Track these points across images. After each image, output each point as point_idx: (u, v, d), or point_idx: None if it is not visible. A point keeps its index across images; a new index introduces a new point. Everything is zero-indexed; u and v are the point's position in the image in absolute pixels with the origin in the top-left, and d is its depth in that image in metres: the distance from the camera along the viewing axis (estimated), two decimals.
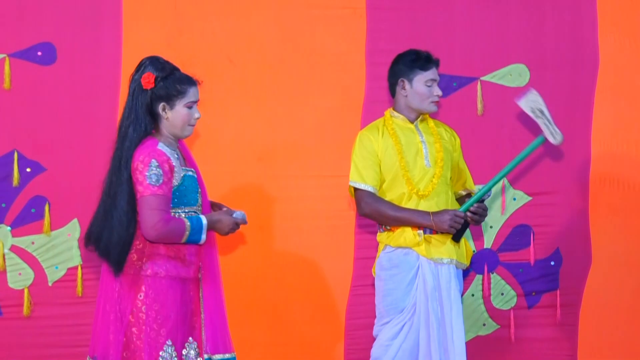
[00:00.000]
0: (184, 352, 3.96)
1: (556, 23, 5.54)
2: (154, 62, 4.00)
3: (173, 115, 3.95)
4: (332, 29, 5.46)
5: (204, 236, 3.91)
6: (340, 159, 5.32)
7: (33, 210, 5.28)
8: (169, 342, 3.91)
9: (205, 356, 4.02)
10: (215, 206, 4.13)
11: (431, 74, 4.50)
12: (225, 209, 4.10)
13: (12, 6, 5.30)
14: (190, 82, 4.01)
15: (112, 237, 3.90)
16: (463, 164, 4.65)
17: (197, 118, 4.04)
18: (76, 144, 5.37)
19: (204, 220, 3.92)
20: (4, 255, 5.32)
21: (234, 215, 4.00)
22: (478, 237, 5.57)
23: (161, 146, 3.93)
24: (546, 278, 5.51)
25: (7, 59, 5.26)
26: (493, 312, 5.49)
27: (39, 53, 5.27)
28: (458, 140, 4.69)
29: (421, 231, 4.43)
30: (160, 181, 3.88)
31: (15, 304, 5.28)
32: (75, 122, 5.42)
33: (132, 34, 5.37)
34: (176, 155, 3.99)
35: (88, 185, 5.18)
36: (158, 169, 3.87)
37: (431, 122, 4.56)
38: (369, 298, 5.25)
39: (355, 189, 4.45)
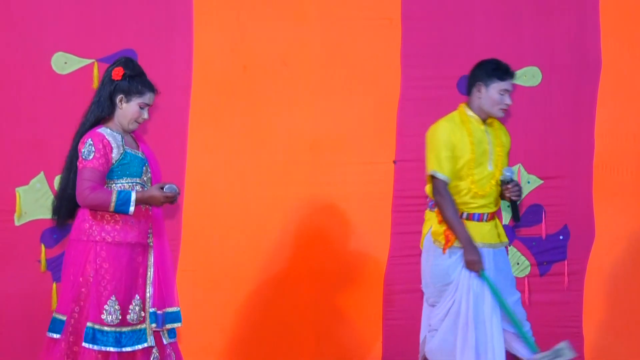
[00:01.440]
0: (130, 307, 4.22)
1: (564, 30, 5.73)
2: (128, 62, 4.32)
3: (126, 108, 4.26)
4: (372, 36, 5.70)
5: (132, 208, 4.14)
6: (378, 149, 5.68)
7: None
8: (113, 298, 4.16)
9: (151, 310, 4.28)
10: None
11: (506, 84, 4.62)
12: (161, 185, 4.27)
13: (98, 17, 5.60)
14: (151, 88, 4.32)
15: (63, 197, 4.28)
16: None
17: (145, 119, 4.32)
18: (153, 136, 5.52)
19: (133, 195, 4.16)
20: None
21: (165, 188, 4.19)
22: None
23: (103, 129, 4.21)
24: (556, 250, 5.74)
25: (95, 63, 5.54)
26: None
27: (124, 57, 5.26)
28: (509, 139, 4.83)
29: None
30: (91, 156, 4.15)
31: None
32: (154, 115, 5.38)
33: (202, 41, 5.66)
34: (119, 138, 4.24)
35: (164, 170, 5.09)
36: (91, 147, 4.15)
37: (496, 124, 4.71)
38: (404, 267, 5.65)
39: (433, 177, 4.57)
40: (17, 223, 5.55)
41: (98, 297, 4.18)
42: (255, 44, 5.67)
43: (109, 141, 4.16)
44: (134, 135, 4.42)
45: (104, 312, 4.16)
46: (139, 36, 5.64)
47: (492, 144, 4.63)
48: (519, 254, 5.81)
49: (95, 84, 5.50)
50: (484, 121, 4.65)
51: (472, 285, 4.61)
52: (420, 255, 5.32)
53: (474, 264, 4.55)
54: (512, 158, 5.33)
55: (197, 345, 5.45)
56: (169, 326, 4.32)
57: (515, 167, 5.67)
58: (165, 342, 4.34)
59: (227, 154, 5.77)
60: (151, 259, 4.33)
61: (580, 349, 5.69)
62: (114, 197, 4.10)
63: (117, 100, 4.24)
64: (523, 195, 5.61)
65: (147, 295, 4.30)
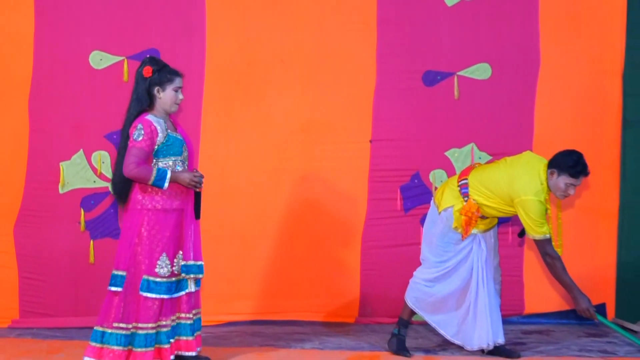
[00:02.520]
0: (175, 260, 4.47)
1: (511, 33, 5.98)
2: (152, 60, 4.51)
3: (164, 96, 4.48)
4: (353, 37, 5.96)
5: (166, 184, 4.38)
6: (357, 130, 5.93)
7: None
8: (164, 255, 4.43)
9: (191, 263, 4.50)
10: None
11: (577, 181, 4.69)
12: (193, 170, 4.53)
13: (128, 21, 5.87)
14: (177, 73, 4.50)
15: (116, 180, 4.52)
16: None
17: (181, 99, 4.53)
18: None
19: (168, 174, 4.39)
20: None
21: (194, 174, 4.45)
22: None
23: (150, 117, 4.42)
24: None
25: (125, 60, 5.82)
26: None
27: (148, 56, 5.19)
28: None
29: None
30: (140, 138, 4.35)
31: None
32: None
33: (213, 41, 5.91)
34: (163, 123, 4.45)
35: None
36: (141, 130, 4.36)
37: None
38: (378, 227, 5.88)
39: (543, 240, 4.72)
40: (61, 191, 5.84)
41: (151, 254, 4.41)
42: (257, 44, 5.92)
43: (156, 127, 4.40)
44: (173, 120, 4.63)
45: (157, 266, 4.42)
46: (161, 37, 5.87)
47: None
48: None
49: (126, 77, 5.75)
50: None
51: (475, 260, 4.94)
52: (390, 218, 5.75)
53: (585, 311, 4.77)
54: (466, 139, 5.75)
55: (209, 291, 5.57)
56: (197, 276, 4.57)
57: (469, 146, 5.91)
58: (192, 289, 4.59)
59: (234, 134, 5.94)
60: (188, 222, 4.56)
61: (521, 294, 5.98)
62: (153, 173, 4.36)
63: (155, 92, 4.46)
64: None
65: (186, 250, 4.52)
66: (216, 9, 5.92)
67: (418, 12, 6.01)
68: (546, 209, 4.74)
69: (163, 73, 4.50)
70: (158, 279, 4.44)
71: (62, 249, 5.88)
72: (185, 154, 4.60)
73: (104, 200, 5.91)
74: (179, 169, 4.50)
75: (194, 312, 4.68)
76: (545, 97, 6.06)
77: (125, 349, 4.48)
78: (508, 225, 5.99)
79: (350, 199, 6.00)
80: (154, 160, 4.48)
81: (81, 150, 5.88)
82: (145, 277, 4.44)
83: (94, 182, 5.90)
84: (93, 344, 4.52)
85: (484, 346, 5.00)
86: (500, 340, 5.00)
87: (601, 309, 6.04)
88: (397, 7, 5.99)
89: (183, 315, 4.62)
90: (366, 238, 6.01)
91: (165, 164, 4.49)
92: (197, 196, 4.59)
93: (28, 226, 5.88)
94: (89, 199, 5.90)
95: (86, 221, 5.88)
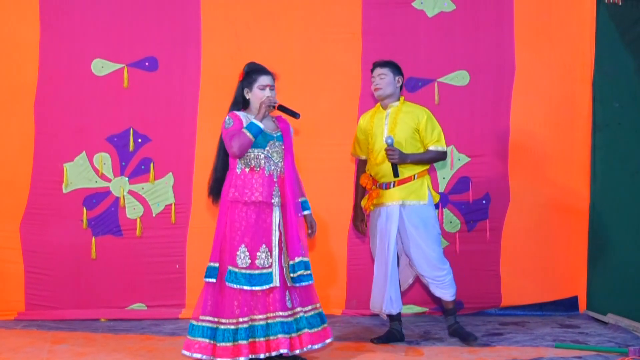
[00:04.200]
0: (257, 254, 4.39)
1: (487, 42, 6.07)
2: (248, 64, 4.58)
3: (252, 95, 4.54)
4: (339, 47, 6.05)
5: (257, 123, 4.41)
6: (343, 133, 5.86)
7: (143, 167, 5.89)
8: (243, 246, 4.38)
9: (288, 262, 4.44)
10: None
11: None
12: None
13: (128, 31, 5.94)
14: (263, 72, 4.53)
15: (215, 179, 4.59)
16: None
17: (268, 96, 4.49)
18: (170, 123, 5.96)
19: (254, 120, 4.43)
20: (124, 197, 5.91)
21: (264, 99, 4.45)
22: (435, 184, 5.96)
23: (238, 112, 4.47)
24: (480, 211, 6.10)
25: (125, 67, 5.91)
26: (445, 234, 5.99)
27: (147, 64, 5.94)
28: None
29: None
30: (231, 124, 4.41)
31: (131, 228, 5.94)
32: (170, 109, 5.96)
33: (208, 50, 5.99)
34: (250, 118, 4.46)
35: (179, 150, 5.89)
36: (230, 119, 4.42)
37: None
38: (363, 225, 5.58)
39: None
40: (64, 191, 5.91)
41: (232, 245, 4.40)
42: (250, 53, 5.72)
43: (240, 118, 4.47)
44: (276, 119, 4.65)
45: (237, 257, 4.37)
46: (159, 46, 5.96)
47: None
48: (451, 214, 6.09)
49: (126, 83, 5.83)
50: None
51: None
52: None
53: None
54: (446, 141, 5.42)
55: (203, 283, 4.80)
56: (298, 273, 4.48)
57: (449, 148, 5.91)
58: (288, 284, 4.49)
59: None
60: (276, 216, 4.48)
61: (498, 287, 6.07)
62: (246, 132, 4.39)
63: (245, 94, 4.54)
64: (454, 170, 5.98)
65: (273, 244, 4.45)
66: (211, 20, 6.00)
67: (401, 22, 6.10)
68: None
69: (249, 75, 4.55)
70: (236, 270, 4.40)
71: (65, 245, 5.94)
72: (274, 149, 4.56)
73: (105, 199, 5.98)
74: (262, 161, 4.48)
75: (300, 309, 4.56)
76: (520, 102, 6.16)
77: (211, 342, 4.44)
78: (485, 223, 6.07)
79: (338, 197, 6.04)
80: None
81: (84, 152, 5.96)
82: (230, 267, 4.42)
83: (96, 182, 5.97)
84: (188, 337, 4.51)
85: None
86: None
87: (573, 301, 6.12)
88: (380, 18, 6.07)
89: (278, 314, 4.48)
90: (352, 235, 6.08)
91: (249, 154, 4.49)
92: (282, 108, 4.58)
93: (33, 224, 5.94)
94: (91, 198, 5.97)
95: (88, 219, 5.95)
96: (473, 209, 6.14)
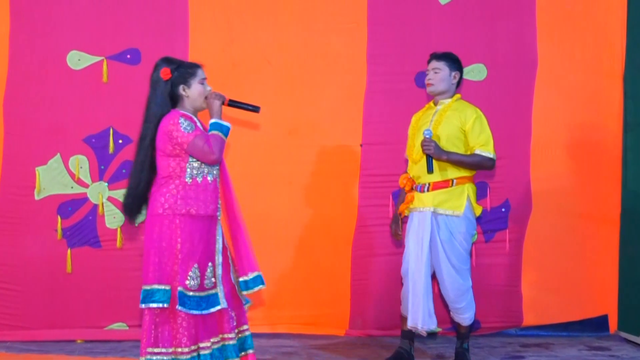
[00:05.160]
0: (205, 274, 4.22)
1: (506, 32, 5.92)
2: (166, 60, 4.32)
3: (192, 92, 4.27)
4: (342, 37, 5.89)
5: (229, 124, 4.26)
6: (347, 133, 5.83)
7: (124, 171, 5.71)
8: (196, 266, 4.18)
9: (240, 279, 4.29)
10: None
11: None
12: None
13: (107, 20, 5.76)
14: (197, 65, 4.32)
15: (135, 194, 4.27)
16: None
17: (209, 91, 4.31)
18: None
19: (220, 121, 4.24)
20: (102, 204, 5.71)
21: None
22: None
23: (182, 112, 4.22)
24: (498, 220, 5.91)
25: (104, 60, 5.71)
26: None
27: (128, 56, 5.75)
28: None
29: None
30: (193, 128, 4.16)
31: (111, 239, 5.74)
32: None
33: (196, 42, 5.81)
34: (196, 120, 4.28)
35: None
36: (188, 121, 4.15)
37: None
38: (369, 235, 5.79)
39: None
40: (37, 197, 5.68)
41: (184, 265, 4.17)
42: (243, 45, 5.83)
43: (193, 118, 4.25)
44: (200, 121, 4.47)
45: (188, 278, 4.16)
46: (142, 37, 5.78)
47: None
48: None
49: (105, 78, 5.69)
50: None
51: None
52: (382, 225, 5.65)
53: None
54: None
55: None
56: (255, 289, 4.34)
57: None
58: (244, 302, 4.39)
59: None
60: (219, 229, 4.32)
61: (519, 305, 5.89)
62: (218, 133, 4.20)
63: (181, 91, 4.26)
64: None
65: (217, 262, 4.27)
66: (199, 7, 5.84)
67: (410, 10, 5.96)
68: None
69: (182, 69, 4.31)
70: (189, 292, 4.19)
71: (37, 258, 5.75)
72: None
73: (82, 207, 5.78)
74: (211, 169, 4.29)
75: (246, 327, 4.48)
76: (542, 99, 6.01)
77: None
78: (505, 233, 5.92)
79: (340, 206, 5.92)
80: (189, 159, 4.23)
81: (58, 154, 5.75)
82: (180, 289, 4.18)
83: (72, 187, 5.77)
84: None
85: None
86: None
87: (603, 321, 6.02)
88: (388, 5, 5.94)
89: (226, 335, 4.35)
90: (357, 246, 5.90)
91: (194, 162, 4.25)
92: (234, 104, 4.42)
93: (2, 234, 5.77)
94: (66, 205, 5.77)
95: (63, 229, 5.74)
96: (491, 217, 5.96)
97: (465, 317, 5.01)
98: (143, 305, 4.14)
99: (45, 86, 5.78)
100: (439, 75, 4.97)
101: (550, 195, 5.99)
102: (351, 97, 5.94)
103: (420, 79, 5.79)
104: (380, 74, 5.85)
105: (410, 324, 4.92)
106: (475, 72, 5.93)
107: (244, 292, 4.36)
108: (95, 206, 5.78)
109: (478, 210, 5.00)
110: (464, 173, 4.92)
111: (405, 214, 5.05)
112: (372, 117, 5.86)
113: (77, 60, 5.76)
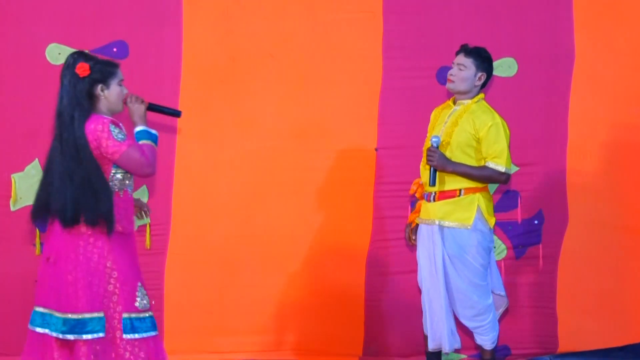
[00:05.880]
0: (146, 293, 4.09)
1: (538, 22, 5.75)
2: (81, 55, 4.10)
3: (110, 94, 4.05)
4: (355, 29, 5.71)
5: (154, 132, 4.10)
6: (360, 136, 5.68)
7: None
8: (140, 285, 4.01)
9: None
10: None
11: None
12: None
13: (90, 10, 5.59)
14: (116, 64, 4.15)
15: (100, 208, 3.93)
16: None
17: (126, 93, 4.14)
18: None
19: (148, 128, 4.07)
20: None
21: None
22: None
23: (109, 118, 4.04)
24: (531, 234, 5.73)
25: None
26: None
27: (115, 49, 5.58)
28: None
29: None
30: (125, 138, 3.98)
31: None
32: None
33: (191, 33, 5.67)
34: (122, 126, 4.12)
35: None
36: (116, 129, 3.97)
37: None
38: (386, 250, 5.72)
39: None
40: (12, 208, 5.52)
41: (129, 285, 4.00)
42: (243, 36, 5.66)
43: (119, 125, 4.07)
44: None
45: (137, 299, 4.00)
46: (130, 28, 5.63)
47: None
48: (495, 237, 5.61)
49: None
50: None
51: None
52: (400, 239, 5.45)
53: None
54: None
55: (185, 327, 5.49)
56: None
57: None
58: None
59: (216, 142, 5.74)
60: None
61: (554, 329, 5.74)
62: (150, 142, 4.03)
63: (98, 91, 4.05)
64: None
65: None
66: None
67: None
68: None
69: (101, 67, 4.07)
70: (142, 314, 4.00)
71: (13, 275, 5.53)
72: None
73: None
74: (127, 183, 4.11)
75: None
76: (580, 97, 5.80)
77: None
78: (538, 249, 5.75)
79: (352, 217, 5.76)
80: (113, 170, 4.02)
81: (36, 159, 5.49)
82: (125, 315, 3.95)
83: None
84: None
85: None
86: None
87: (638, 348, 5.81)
88: None
89: None
90: (371, 262, 5.74)
91: (117, 174, 4.04)
92: (154, 107, 4.23)
93: None
94: None
95: (42, 243, 5.45)
96: (522, 231, 5.76)
97: (486, 339, 4.88)
98: (73, 337, 3.85)
99: (22, 83, 5.62)
100: (463, 73, 4.81)
101: (588, 206, 5.83)
102: (365, 95, 5.77)
103: (442, 75, 5.57)
104: (398, 69, 5.67)
105: (431, 347, 4.85)
106: (504, 67, 5.74)
107: None
108: None
109: (492, 222, 4.88)
110: (474, 183, 4.83)
111: (417, 223, 4.99)
112: (389, 118, 5.70)
113: (58, 54, 5.57)
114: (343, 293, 5.75)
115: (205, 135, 5.73)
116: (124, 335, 3.87)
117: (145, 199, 5.58)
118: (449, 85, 4.87)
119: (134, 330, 3.90)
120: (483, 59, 4.84)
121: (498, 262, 5.64)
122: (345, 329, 5.74)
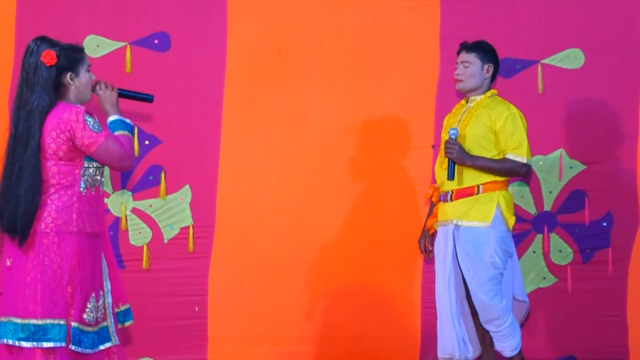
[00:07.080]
0: (99, 303, 3.91)
1: (608, 10, 5.57)
2: (46, 41, 3.94)
3: (79, 82, 3.92)
4: (410, 18, 5.59)
5: (128, 121, 3.96)
6: (416, 133, 5.57)
7: (151, 178, 5.55)
8: (94, 295, 3.86)
9: (117, 310, 4.00)
10: None
11: None
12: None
13: (132, 1, 5.55)
14: (81, 48, 4.01)
15: (17, 210, 3.77)
16: None
17: (94, 79, 4.01)
18: (187, 119, 5.62)
19: (123, 118, 3.94)
20: (126, 217, 5.57)
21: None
22: (539, 200, 5.65)
23: (82, 107, 3.91)
24: (599, 237, 5.55)
25: (128, 46, 5.53)
26: (552, 267, 5.60)
27: (156, 41, 5.54)
28: None
29: None
30: (101, 129, 3.86)
31: (135, 258, 5.54)
32: (186, 100, 5.64)
33: (236, 24, 5.59)
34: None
35: (198, 155, 5.66)
36: (92, 120, 3.85)
37: None
38: None
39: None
40: None
41: (82, 294, 3.83)
42: (291, 26, 5.60)
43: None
44: None
45: (86, 310, 3.84)
46: (172, 19, 5.58)
47: None
48: (561, 240, 5.60)
49: (129, 67, 5.57)
50: None
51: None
52: None
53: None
54: (553, 144, 5.46)
55: (230, 333, 5.48)
56: (127, 324, 4.05)
57: (557, 153, 5.60)
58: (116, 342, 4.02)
59: (262, 138, 5.70)
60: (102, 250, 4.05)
61: (624, 339, 5.52)
62: (127, 132, 3.87)
63: (67, 79, 3.87)
64: (564, 182, 5.60)
65: (106, 288, 3.98)
66: None
67: None
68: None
69: (69, 54, 3.89)
70: (87, 328, 3.84)
71: None
72: None
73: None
74: (98, 179, 3.94)
75: None
76: None
77: None
78: (607, 252, 5.57)
79: (407, 218, 5.60)
80: (84, 164, 3.85)
81: None
82: (74, 324, 3.78)
83: None
84: None
85: None
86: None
87: None
88: None
89: None
90: (429, 267, 5.51)
91: (89, 169, 3.87)
92: (124, 93, 4.06)
93: None
94: None
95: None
96: (590, 233, 5.58)
97: (505, 346, 4.78)
98: (30, 344, 3.69)
99: None
100: (469, 69, 4.79)
101: None
102: (421, 89, 5.64)
103: (503, 67, 5.42)
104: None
105: (439, 354, 4.82)
106: (570, 58, 5.58)
107: (120, 326, 4.06)
108: (118, 219, 5.59)
109: (512, 221, 4.81)
110: (493, 178, 4.78)
111: (435, 228, 4.96)
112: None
113: (96, 46, 5.53)
114: (397, 300, 5.68)
115: (251, 132, 5.68)
116: (71, 347, 3.73)
117: (188, 200, 5.58)
118: (458, 86, 4.86)
119: (79, 342, 3.75)
120: (486, 51, 4.83)
121: (563, 267, 5.62)
122: (400, 339, 5.64)
